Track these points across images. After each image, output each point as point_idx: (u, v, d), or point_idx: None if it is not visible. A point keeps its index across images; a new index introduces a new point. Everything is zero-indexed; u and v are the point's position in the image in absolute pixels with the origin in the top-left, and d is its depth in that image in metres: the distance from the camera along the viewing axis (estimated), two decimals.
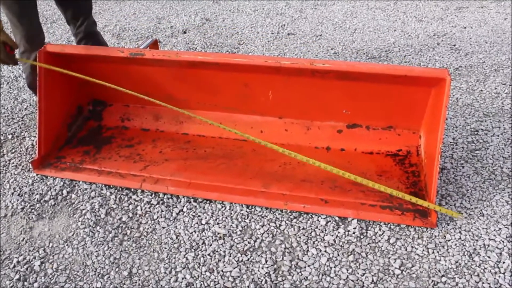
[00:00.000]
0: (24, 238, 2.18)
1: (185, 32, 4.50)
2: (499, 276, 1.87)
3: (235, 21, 4.74)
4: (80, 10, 2.83)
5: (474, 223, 2.12)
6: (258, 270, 1.95)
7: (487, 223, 2.12)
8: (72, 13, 2.84)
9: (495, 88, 3.21)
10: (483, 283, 1.85)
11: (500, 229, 2.08)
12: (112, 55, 2.50)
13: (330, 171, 2.14)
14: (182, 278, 1.93)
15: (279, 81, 2.40)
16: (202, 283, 1.91)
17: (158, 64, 2.49)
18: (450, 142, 2.67)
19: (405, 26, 4.44)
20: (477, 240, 2.03)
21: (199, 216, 2.22)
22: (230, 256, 2.02)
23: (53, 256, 2.08)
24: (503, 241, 2.01)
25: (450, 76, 2.06)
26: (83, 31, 2.87)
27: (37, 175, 2.54)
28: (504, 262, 1.92)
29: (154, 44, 3.06)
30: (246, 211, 2.24)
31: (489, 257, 1.95)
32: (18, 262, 2.05)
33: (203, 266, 1.98)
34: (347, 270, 1.93)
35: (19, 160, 2.67)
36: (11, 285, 1.95)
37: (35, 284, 1.94)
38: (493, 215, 2.16)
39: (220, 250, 2.05)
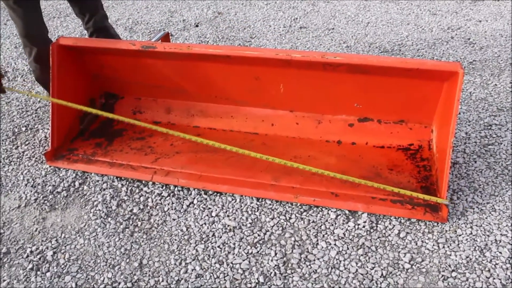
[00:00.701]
0: (37, 228, 2.21)
1: (197, 26, 4.51)
2: (510, 272, 1.85)
3: (247, 14, 4.73)
4: (86, 7, 2.85)
5: (486, 218, 2.10)
6: (268, 263, 1.95)
7: (499, 219, 2.10)
8: (78, 9, 2.87)
9: (510, 83, 3.17)
10: (494, 278, 1.83)
11: None
12: (124, 48, 2.51)
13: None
14: (192, 270, 1.94)
15: (290, 74, 2.40)
16: (211, 274, 1.92)
17: (170, 57, 2.50)
18: (463, 137, 2.65)
19: (419, 19, 4.39)
20: (488, 236, 2.02)
21: (210, 208, 2.23)
22: (239, 248, 2.03)
23: (65, 246, 2.11)
24: None
25: (463, 69, 2.04)
26: (92, 26, 2.89)
27: (50, 166, 2.57)
28: None
29: (166, 37, 3.06)
30: (256, 204, 2.24)
31: (500, 252, 1.94)
32: (31, 252, 2.08)
33: (212, 258, 1.99)
34: (357, 263, 1.93)
35: (33, 152, 2.70)
36: (24, 274, 1.98)
37: (48, 274, 1.97)
38: (506, 210, 2.14)
39: (230, 242, 2.05)
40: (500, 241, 1.98)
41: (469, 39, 3.91)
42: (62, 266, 2.01)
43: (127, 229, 2.17)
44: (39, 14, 2.64)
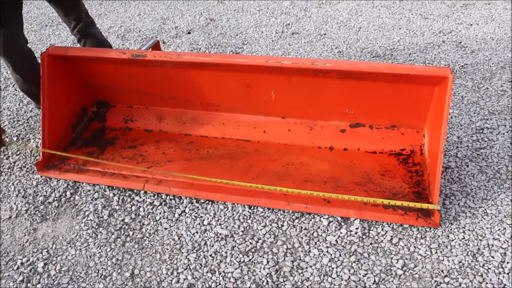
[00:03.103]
0: (28, 239, 2.19)
1: (189, 33, 4.51)
2: (503, 277, 1.85)
3: (239, 21, 4.73)
4: (70, 14, 2.90)
5: (478, 222, 2.10)
6: (260, 271, 1.94)
7: (492, 223, 2.09)
8: (63, 16, 2.92)
9: (501, 86, 3.18)
10: (486, 283, 1.83)
11: (504, 228, 2.06)
12: (114, 57, 2.51)
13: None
14: (184, 279, 1.93)
15: (281, 81, 2.40)
16: (203, 284, 1.91)
17: (160, 65, 2.49)
18: (455, 141, 2.65)
19: (411, 24, 4.41)
20: (481, 240, 2.01)
21: (201, 217, 2.22)
22: (231, 257, 2.01)
23: (56, 257, 2.09)
24: (507, 241, 1.99)
25: (453, 74, 2.04)
26: (78, 33, 2.98)
27: (41, 177, 2.55)
28: (508, 262, 1.90)
29: (156, 45, 3.06)
30: (248, 211, 2.23)
31: (493, 257, 1.93)
32: (22, 263, 2.07)
33: (204, 267, 1.98)
34: (349, 270, 1.92)
35: (24, 162, 2.69)
36: (14, 286, 1.96)
37: (38, 286, 1.96)
38: (498, 214, 2.14)
39: (222, 251, 2.04)
40: (492, 246, 1.98)
41: (460, 42, 3.93)
42: (53, 278, 1.99)
43: (118, 239, 2.15)
44: (17, 28, 2.60)
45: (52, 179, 2.53)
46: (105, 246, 2.12)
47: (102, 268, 2.01)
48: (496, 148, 2.56)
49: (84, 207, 2.34)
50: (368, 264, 1.94)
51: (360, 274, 1.90)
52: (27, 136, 2.94)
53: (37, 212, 2.34)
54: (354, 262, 1.96)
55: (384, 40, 4.09)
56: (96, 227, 2.22)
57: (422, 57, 3.71)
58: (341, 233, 2.09)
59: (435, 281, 1.86)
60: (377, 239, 2.05)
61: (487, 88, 3.18)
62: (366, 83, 2.29)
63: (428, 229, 2.07)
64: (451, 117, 2.86)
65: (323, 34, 4.29)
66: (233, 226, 2.16)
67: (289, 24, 4.57)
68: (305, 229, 2.12)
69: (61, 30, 4.74)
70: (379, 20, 4.54)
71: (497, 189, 2.28)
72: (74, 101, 2.81)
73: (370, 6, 4.93)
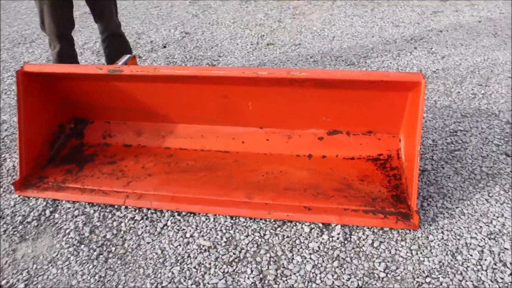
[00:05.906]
0: (7, 261, 2.15)
1: (165, 47, 4.52)
2: (481, 274, 1.89)
3: (214, 33, 4.77)
4: (101, 13, 3.17)
5: (456, 222, 2.15)
6: (244, 281, 1.95)
7: (468, 222, 2.15)
8: (96, 14, 3.20)
9: (472, 89, 3.27)
10: (466, 281, 1.87)
11: (481, 227, 2.11)
12: (91, 72, 2.50)
13: None
14: None
15: (258, 91, 2.42)
16: None
17: (137, 79, 2.50)
18: (430, 144, 2.71)
19: (383, 31, 4.51)
20: (459, 239, 2.06)
21: (184, 229, 2.22)
22: (215, 268, 2.02)
23: (37, 277, 2.06)
24: (484, 239, 2.05)
25: (425, 79, 2.10)
26: (106, 31, 3.26)
27: (19, 196, 2.52)
28: (485, 260, 1.95)
29: (133, 60, 3.07)
30: (230, 222, 2.24)
31: (471, 255, 1.98)
32: (1, 286, 2.03)
33: (189, 279, 1.98)
34: (333, 276, 1.94)
35: (0, 182, 2.65)
36: None
37: None
38: (474, 213, 2.19)
39: (206, 262, 2.04)
40: (470, 244, 2.03)
41: (431, 49, 4.03)
42: None
43: (101, 256, 2.13)
44: (69, 12, 3.05)
45: (31, 198, 2.49)
46: (87, 263, 2.10)
47: (85, 286, 1.99)
48: (470, 150, 2.63)
49: (64, 225, 2.31)
50: (351, 269, 1.97)
51: (343, 278, 1.93)
52: (3, 155, 2.90)
53: (15, 232, 2.30)
54: (337, 267, 1.98)
55: (357, 48, 4.17)
56: (78, 245, 2.19)
57: (395, 63, 3.80)
58: (323, 239, 2.11)
59: (417, 281, 1.89)
60: (358, 243, 2.08)
61: (459, 92, 3.26)
62: (342, 91, 2.34)
63: (408, 231, 2.11)
64: (426, 121, 2.93)
65: (298, 44, 4.35)
66: (215, 237, 2.17)
67: (264, 35, 4.63)
68: (288, 237, 2.14)
69: (35, 48, 4.70)
70: (352, 29, 4.63)
71: (472, 189, 2.34)
72: (51, 118, 2.78)
73: (343, 15, 5.03)
